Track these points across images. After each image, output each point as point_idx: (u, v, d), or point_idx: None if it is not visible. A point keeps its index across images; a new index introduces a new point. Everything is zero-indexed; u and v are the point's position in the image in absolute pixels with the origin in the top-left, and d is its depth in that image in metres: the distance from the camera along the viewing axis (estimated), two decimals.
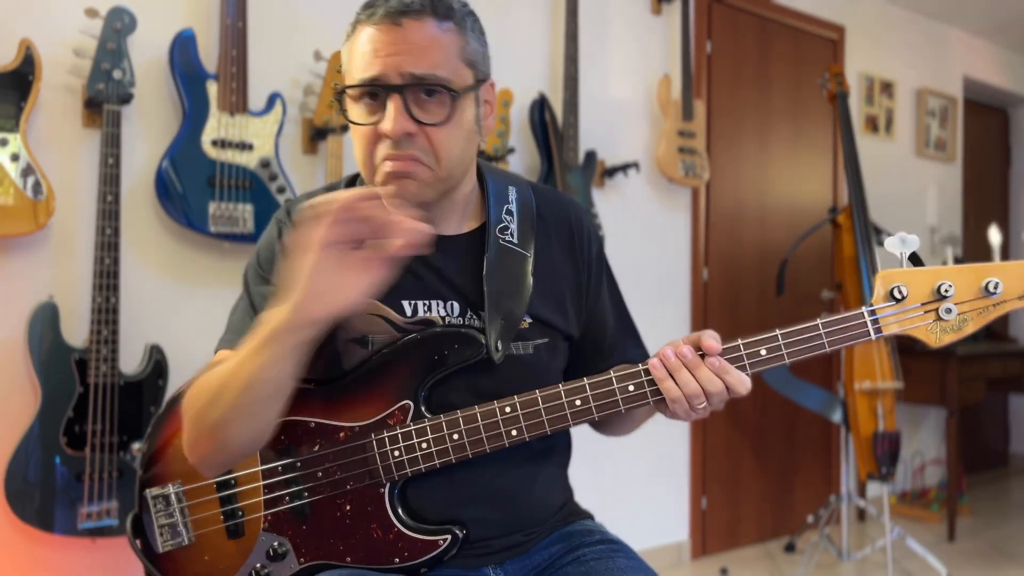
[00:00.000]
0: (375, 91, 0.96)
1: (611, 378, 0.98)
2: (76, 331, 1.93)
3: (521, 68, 2.75)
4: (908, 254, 0.97)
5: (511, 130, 2.58)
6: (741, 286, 3.41)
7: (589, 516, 1.20)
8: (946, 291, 0.95)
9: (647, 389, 0.97)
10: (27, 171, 1.80)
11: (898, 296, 0.95)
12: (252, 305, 1.06)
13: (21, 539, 1.87)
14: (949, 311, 0.95)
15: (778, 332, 0.96)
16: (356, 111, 0.98)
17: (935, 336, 0.96)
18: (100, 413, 1.83)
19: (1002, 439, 4.97)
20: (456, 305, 1.05)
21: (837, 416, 2.97)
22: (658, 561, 3.09)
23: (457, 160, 1.00)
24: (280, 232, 1.08)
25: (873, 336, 0.96)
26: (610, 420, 1.12)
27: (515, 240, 1.08)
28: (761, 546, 3.43)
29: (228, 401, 0.92)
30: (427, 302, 1.04)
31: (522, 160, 2.73)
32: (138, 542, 1.08)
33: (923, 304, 0.96)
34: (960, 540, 3.49)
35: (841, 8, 3.81)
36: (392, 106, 0.94)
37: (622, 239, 2.97)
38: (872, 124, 3.99)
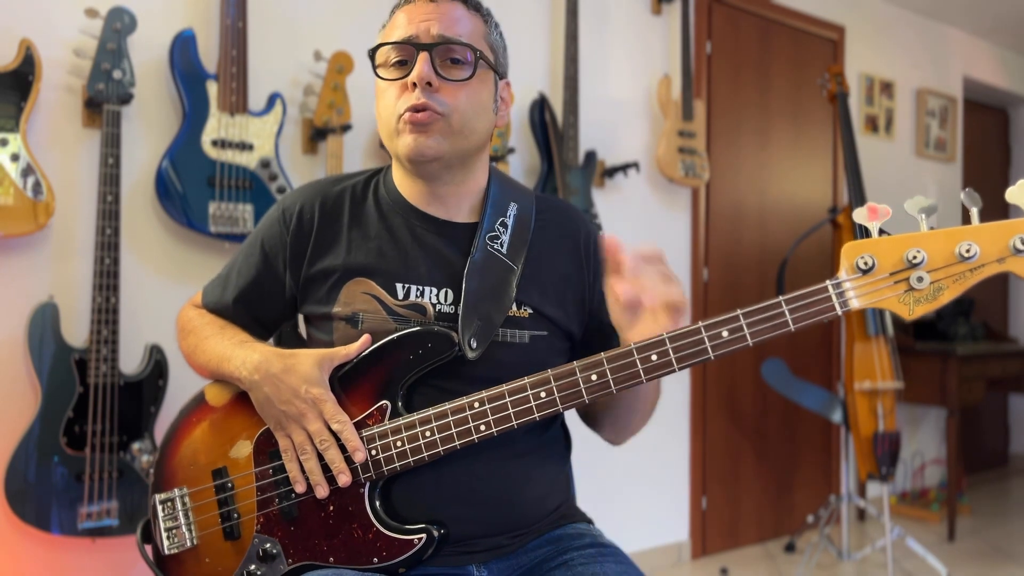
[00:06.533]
0: (405, 58, 1.06)
1: (574, 368, 0.98)
2: (76, 331, 1.93)
3: (521, 68, 2.75)
4: (879, 226, 0.91)
5: (511, 130, 2.58)
6: (741, 286, 3.41)
7: (586, 520, 1.19)
8: (915, 259, 0.87)
9: (610, 378, 0.96)
10: (27, 171, 1.80)
11: (864, 267, 0.89)
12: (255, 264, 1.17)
13: (21, 539, 1.87)
14: (921, 279, 0.88)
15: (739, 312, 0.93)
16: (386, 73, 1.09)
17: (908, 307, 0.89)
18: (100, 413, 1.83)
19: (1002, 439, 4.97)
20: (450, 292, 1.08)
21: (837, 416, 2.97)
22: (658, 561, 3.09)
23: (471, 121, 1.07)
24: (288, 221, 1.15)
25: (839, 311, 0.90)
26: (608, 411, 1.14)
27: (503, 251, 1.11)
28: (761, 546, 3.43)
29: (193, 351, 1.17)
30: (420, 288, 1.08)
31: (522, 160, 2.73)
32: (147, 548, 1.12)
33: (892, 274, 0.89)
34: (960, 540, 3.49)
35: (841, 8, 3.81)
36: (420, 59, 1.04)
37: (622, 239, 2.97)
38: (872, 124, 3.99)
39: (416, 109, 1.03)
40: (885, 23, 4.05)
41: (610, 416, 1.15)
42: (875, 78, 3.99)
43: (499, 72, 1.13)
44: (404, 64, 1.06)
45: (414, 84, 1.03)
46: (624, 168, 2.89)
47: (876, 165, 3.89)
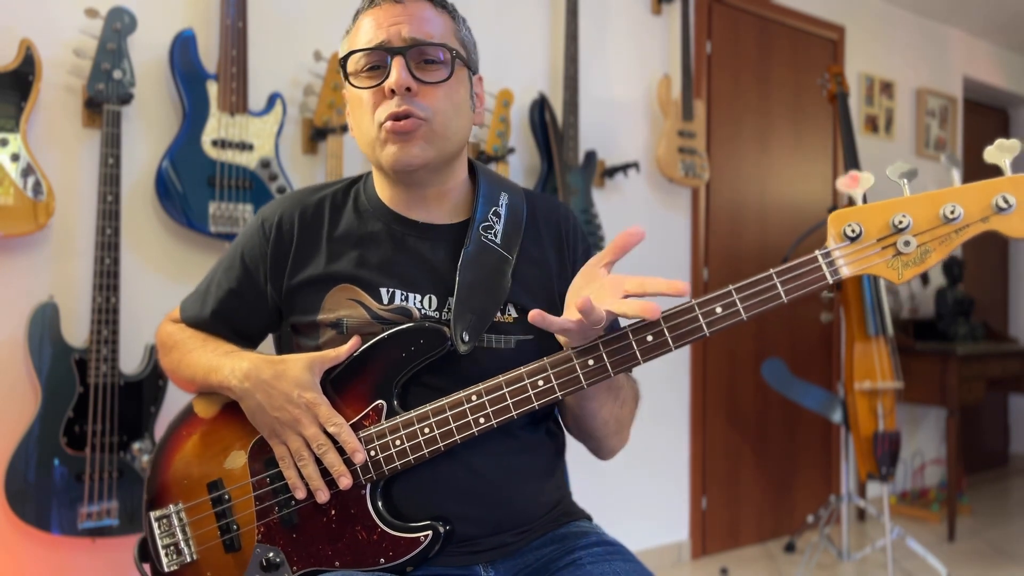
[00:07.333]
0: (378, 64, 1.03)
1: (570, 355, 0.97)
2: (76, 331, 1.93)
3: (521, 68, 2.75)
4: (862, 193, 0.92)
5: (511, 130, 2.58)
6: None
7: (586, 517, 1.18)
8: (901, 223, 0.89)
9: (607, 362, 0.95)
10: (27, 171, 1.80)
11: (851, 234, 0.90)
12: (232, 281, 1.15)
13: (21, 539, 1.87)
14: (908, 243, 0.89)
15: (731, 288, 0.93)
16: (360, 81, 1.05)
17: (896, 272, 0.90)
18: (100, 413, 1.83)
19: (1002, 439, 4.97)
20: (434, 298, 1.07)
21: (837, 416, 2.97)
22: (658, 561, 3.09)
23: (453, 122, 1.05)
24: (268, 234, 1.13)
25: (830, 279, 0.91)
26: (584, 415, 1.09)
27: (498, 240, 1.09)
28: (761, 546, 3.43)
29: (177, 366, 1.16)
30: (404, 293, 1.06)
31: (522, 160, 2.73)
32: (146, 566, 1.11)
33: (879, 239, 0.90)
34: (960, 540, 3.49)
35: (841, 8, 3.81)
36: (396, 64, 1.01)
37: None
38: (872, 124, 3.99)
39: (397, 117, 1.01)
40: (885, 23, 4.05)
41: (588, 423, 1.11)
42: (875, 78, 3.99)
43: (472, 69, 1.11)
44: (377, 70, 1.03)
45: (392, 91, 1.00)
46: (624, 168, 2.89)
47: (876, 165, 3.88)
